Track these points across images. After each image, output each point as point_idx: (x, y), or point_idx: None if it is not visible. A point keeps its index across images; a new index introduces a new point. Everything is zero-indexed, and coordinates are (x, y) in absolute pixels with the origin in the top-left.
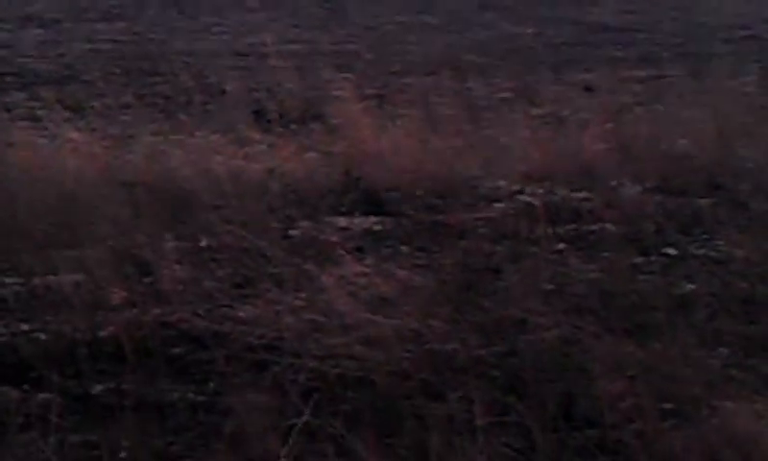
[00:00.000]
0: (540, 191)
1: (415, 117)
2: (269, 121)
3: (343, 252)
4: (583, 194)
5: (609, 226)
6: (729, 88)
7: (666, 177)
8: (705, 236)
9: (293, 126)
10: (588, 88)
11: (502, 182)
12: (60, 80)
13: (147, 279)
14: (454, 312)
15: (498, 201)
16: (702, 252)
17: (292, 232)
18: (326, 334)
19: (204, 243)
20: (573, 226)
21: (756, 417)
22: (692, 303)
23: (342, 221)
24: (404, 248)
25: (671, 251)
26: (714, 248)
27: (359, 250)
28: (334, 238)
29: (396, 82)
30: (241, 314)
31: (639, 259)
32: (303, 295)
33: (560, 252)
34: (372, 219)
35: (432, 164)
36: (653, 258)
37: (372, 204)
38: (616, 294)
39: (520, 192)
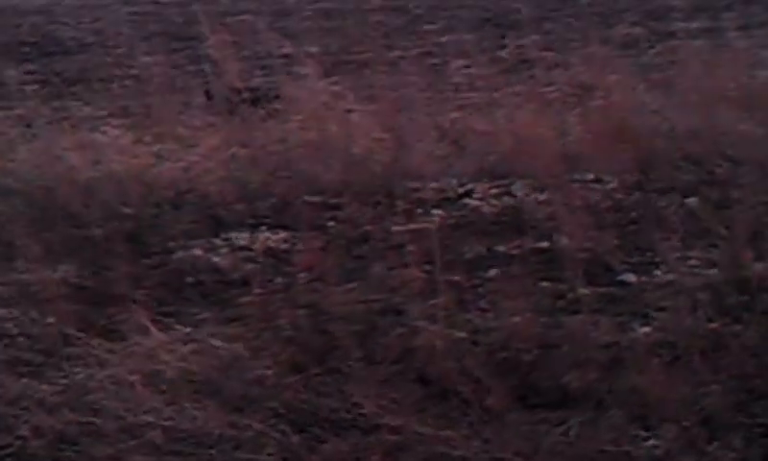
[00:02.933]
0: (495, 191)
1: (380, 97)
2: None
3: (148, 321)
4: (546, 194)
5: (563, 240)
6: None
7: (654, 166)
8: (677, 254)
9: (239, 110)
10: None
11: (453, 181)
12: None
13: None
14: (288, 401)
15: (438, 207)
16: (669, 277)
17: (177, 256)
18: (95, 440)
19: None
20: (518, 242)
21: None
22: (637, 358)
23: (244, 238)
24: (303, 275)
25: (629, 277)
26: (687, 270)
27: (241, 284)
28: (226, 262)
29: (363, 55)
30: None
31: (586, 291)
32: (73, 380)
33: (490, 280)
34: (282, 234)
35: (381, 157)
36: (603, 289)
37: (290, 213)
38: (531, 350)
39: (467, 195)
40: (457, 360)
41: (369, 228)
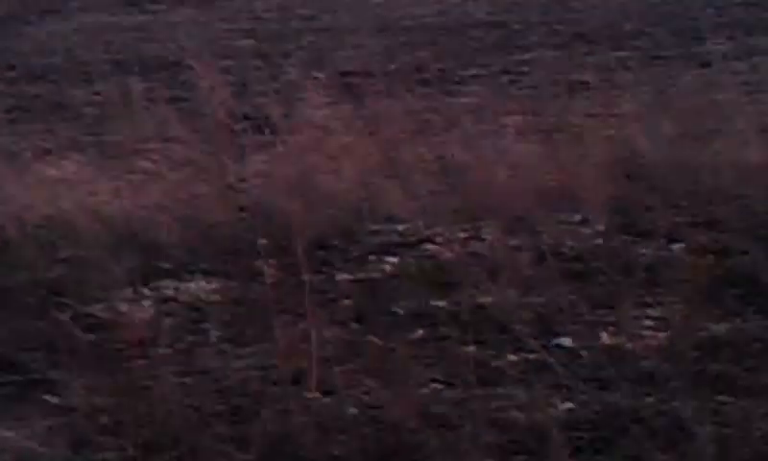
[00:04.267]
0: (463, 235)
1: (388, 126)
2: None
3: None
4: (518, 239)
5: (512, 294)
6: None
7: (649, 206)
8: (634, 313)
9: (237, 139)
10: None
11: (420, 223)
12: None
13: None
14: None
15: (394, 253)
16: (615, 341)
17: (95, 308)
18: None
19: None
20: (461, 296)
21: None
22: (544, 441)
23: (173, 288)
24: (216, 334)
25: (565, 342)
26: (637, 333)
27: (145, 343)
28: (145, 316)
29: (371, 82)
30: None
31: (513, 358)
32: None
33: (412, 343)
34: (216, 284)
35: (357, 194)
36: (534, 356)
37: (236, 259)
38: (422, 430)
39: (429, 239)
40: (329, 445)
41: (310, 277)
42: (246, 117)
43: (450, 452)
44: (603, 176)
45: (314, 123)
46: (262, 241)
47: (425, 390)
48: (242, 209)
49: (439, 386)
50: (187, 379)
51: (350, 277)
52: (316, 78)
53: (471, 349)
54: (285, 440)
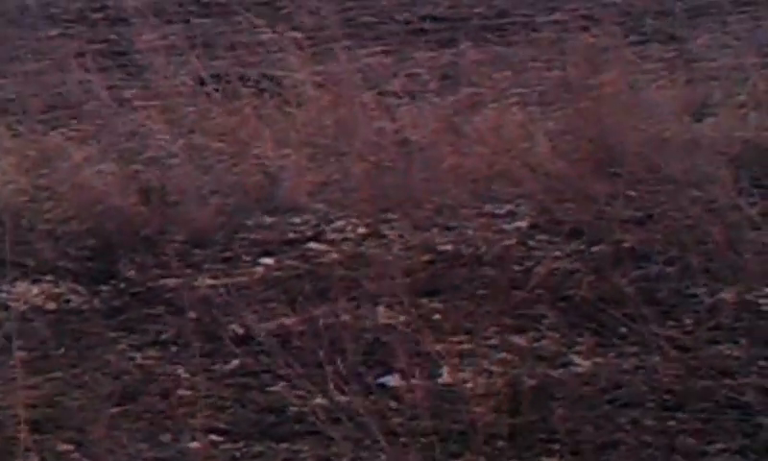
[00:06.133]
0: (363, 230)
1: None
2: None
3: None
4: (427, 236)
5: (374, 310)
6: None
7: (595, 198)
8: (494, 341)
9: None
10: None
11: (321, 215)
12: None
13: None
14: None
15: (274, 253)
16: (455, 378)
17: None
18: None
19: None
20: (302, 316)
21: None
22: None
23: (8, 292)
24: (30, 355)
25: (390, 380)
26: (489, 367)
27: None
28: None
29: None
30: None
31: (320, 402)
32: None
33: (220, 379)
34: (60, 289)
35: (263, 181)
36: (346, 399)
37: (103, 256)
38: None
39: (318, 237)
40: None
41: (169, 282)
42: (198, 82)
43: None
44: (560, 157)
45: (274, 89)
46: (139, 235)
47: (195, 444)
48: (145, 194)
49: (216, 438)
50: None
51: (212, 282)
52: (278, 33)
53: (280, 387)
54: None
